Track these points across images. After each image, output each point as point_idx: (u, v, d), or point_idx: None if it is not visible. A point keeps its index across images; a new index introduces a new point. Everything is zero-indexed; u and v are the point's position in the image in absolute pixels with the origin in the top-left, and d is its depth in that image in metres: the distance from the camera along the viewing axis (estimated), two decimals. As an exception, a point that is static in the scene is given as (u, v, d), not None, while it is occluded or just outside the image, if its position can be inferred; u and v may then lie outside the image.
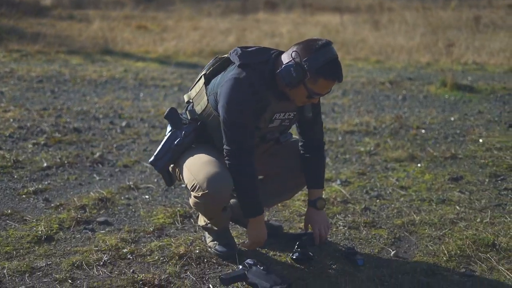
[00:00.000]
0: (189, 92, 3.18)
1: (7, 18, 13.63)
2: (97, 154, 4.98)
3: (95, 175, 4.53)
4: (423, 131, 5.83)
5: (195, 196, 2.90)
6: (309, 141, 3.21)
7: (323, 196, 3.25)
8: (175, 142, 3.06)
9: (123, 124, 5.95)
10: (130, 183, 4.34)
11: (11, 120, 5.92)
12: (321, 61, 2.77)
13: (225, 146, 2.90)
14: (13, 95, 7.04)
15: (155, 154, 3.09)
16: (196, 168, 2.93)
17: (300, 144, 3.24)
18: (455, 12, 16.23)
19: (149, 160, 3.11)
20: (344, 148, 5.32)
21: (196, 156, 3.01)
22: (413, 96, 7.36)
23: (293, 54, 2.82)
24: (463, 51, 10.38)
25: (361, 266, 3.03)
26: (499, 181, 4.37)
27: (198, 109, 3.06)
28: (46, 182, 4.32)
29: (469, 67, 9.26)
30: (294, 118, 3.10)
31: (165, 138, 3.11)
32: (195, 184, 2.89)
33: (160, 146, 3.10)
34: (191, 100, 3.14)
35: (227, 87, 2.85)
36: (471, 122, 6.15)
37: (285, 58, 2.87)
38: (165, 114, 3.15)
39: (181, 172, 3.07)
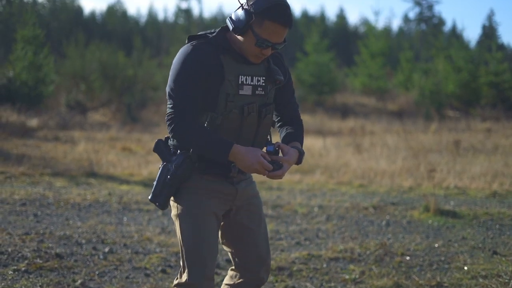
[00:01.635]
0: None
1: (-7, 139, 13.77)
2: (79, 281, 4.89)
3: (75, 305, 4.44)
4: (407, 258, 5.81)
5: (179, 279, 3.03)
6: (287, 119, 3.29)
7: None
8: (168, 176, 3.00)
9: (106, 250, 5.89)
10: (112, 313, 4.25)
11: (-8, 245, 5.85)
12: (267, 3, 2.83)
13: (166, 115, 2.95)
14: (-5, 218, 6.99)
15: (152, 190, 3.04)
16: (188, 246, 3.01)
17: (278, 124, 3.31)
18: (435, 135, 16.61)
19: (149, 198, 3.05)
20: (329, 276, 5.27)
21: (194, 226, 3.02)
22: (396, 222, 7.39)
23: (241, 0, 2.95)
24: (444, 175, 10.53)
25: None
26: (486, 312, 4.32)
27: None
28: (25, 312, 4.22)
29: (451, 192, 9.37)
30: (266, 85, 3.08)
31: (159, 172, 3.06)
32: (182, 264, 3.00)
33: (155, 182, 3.05)
34: None
35: (173, 61, 2.97)
36: (455, 248, 6.15)
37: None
38: (153, 147, 3.12)
39: (176, 225, 3.10)
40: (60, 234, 6.40)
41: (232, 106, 2.97)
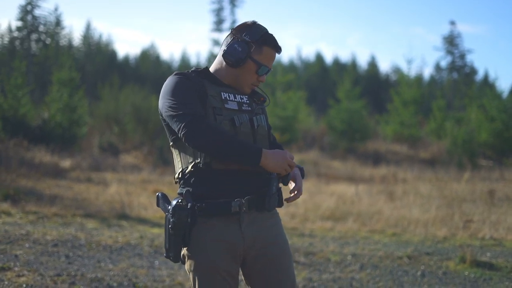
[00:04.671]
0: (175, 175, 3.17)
1: (26, 179, 13.88)
2: (110, 325, 4.84)
3: None
4: (445, 310, 5.66)
5: None
6: None
7: None
8: (169, 226, 2.88)
9: (137, 293, 5.84)
10: None
11: (24, 286, 5.83)
12: (260, 32, 3.02)
13: (178, 131, 2.86)
14: (27, 258, 6.98)
15: (164, 246, 2.96)
16: None
17: None
18: (468, 184, 16.39)
19: (164, 255, 2.98)
20: (364, 326, 5.15)
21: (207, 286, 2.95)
22: (432, 273, 7.23)
23: (233, 31, 3.04)
24: (479, 225, 10.33)
25: None
26: None
27: (185, 169, 3.04)
28: None
29: (487, 243, 9.16)
30: (251, 102, 3.12)
31: (164, 226, 2.96)
32: None
33: (165, 237, 2.95)
34: (177, 176, 3.12)
35: (163, 90, 3.00)
36: (493, 302, 5.99)
37: (223, 48, 3.06)
38: (156, 203, 3.04)
39: (190, 278, 3.02)
40: (91, 276, 6.37)
41: (221, 119, 2.96)
